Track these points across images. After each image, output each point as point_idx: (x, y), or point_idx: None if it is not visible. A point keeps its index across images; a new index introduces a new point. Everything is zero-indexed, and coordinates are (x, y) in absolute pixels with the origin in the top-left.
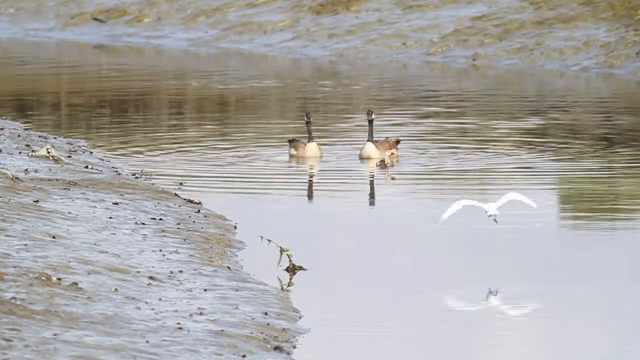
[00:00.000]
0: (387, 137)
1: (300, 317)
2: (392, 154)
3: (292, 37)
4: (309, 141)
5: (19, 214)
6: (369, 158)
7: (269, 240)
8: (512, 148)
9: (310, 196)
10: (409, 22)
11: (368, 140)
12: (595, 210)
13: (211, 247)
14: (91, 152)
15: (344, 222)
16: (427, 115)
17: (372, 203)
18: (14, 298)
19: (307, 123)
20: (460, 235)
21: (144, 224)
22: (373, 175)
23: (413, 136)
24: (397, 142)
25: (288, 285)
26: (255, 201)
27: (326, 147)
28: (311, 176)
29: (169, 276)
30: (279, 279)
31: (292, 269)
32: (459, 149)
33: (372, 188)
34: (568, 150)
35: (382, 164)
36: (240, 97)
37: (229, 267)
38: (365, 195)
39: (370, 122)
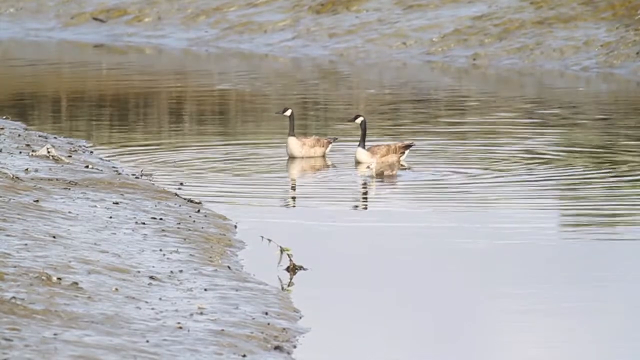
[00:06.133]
0: (387, 143)
1: (300, 317)
2: (392, 161)
3: (292, 37)
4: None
5: (19, 214)
6: (359, 163)
7: (269, 240)
8: (512, 150)
9: (308, 199)
10: (409, 21)
11: (359, 145)
12: (596, 215)
13: (211, 247)
14: (91, 152)
15: (343, 223)
16: (426, 116)
17: (371, 205)
18: (14, 298)
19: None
20: (459, 237)
21: (144, 223)
22: (371, 179)
23: (413, 138)
24: (406, 146)
25: (288, 285)
26: (255, 201)
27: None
28: (310, 178)
29: (169, 276)
30: (279, 279)
31: (293, 269)
32: (459, 152)
33: (369, 192)
34: (568, 153)
35: (381, 173)
36: (241, 97)
37: (229, 267)
38: (364, 198)
39: (361, 125)
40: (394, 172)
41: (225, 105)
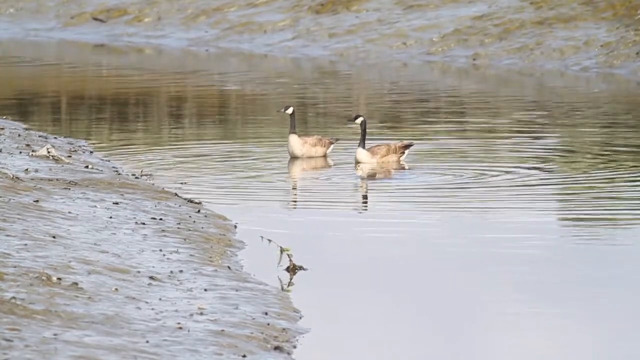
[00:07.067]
0: (387, 143)
1: (300, 317)
2: (390, 161)
3: (292, 37)
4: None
5: (19, 214)
6: (359, 163)
7: (269, 240)
8: (512, 151)
9: (309, 200)
10: (409, 21)
11: (359, 146)
12: (596, 216)
13: (211, 247)
14: (91, 152)
15: (343, 223)
16: (426, 116)
17: (371, 206)
18: (14, 298)
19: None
20: (458, 238)
21: (144, 223)
22: (372, 180)
23: (413, 138)
24: (406, 146)
25: (288, 285)
26: (255, 201)
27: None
28: (310, 178)
29: (169, 276)
30: (279, 279)
31: (293, 269)
32: (459, 152)
33: (370, 192)
34: (568, 153)
35: (373, 175)
36: (241, 97)
37: (229, 267)
38: (364, 198)
39: (361, 125)
40: (387, 176)
41: (226, 106)
